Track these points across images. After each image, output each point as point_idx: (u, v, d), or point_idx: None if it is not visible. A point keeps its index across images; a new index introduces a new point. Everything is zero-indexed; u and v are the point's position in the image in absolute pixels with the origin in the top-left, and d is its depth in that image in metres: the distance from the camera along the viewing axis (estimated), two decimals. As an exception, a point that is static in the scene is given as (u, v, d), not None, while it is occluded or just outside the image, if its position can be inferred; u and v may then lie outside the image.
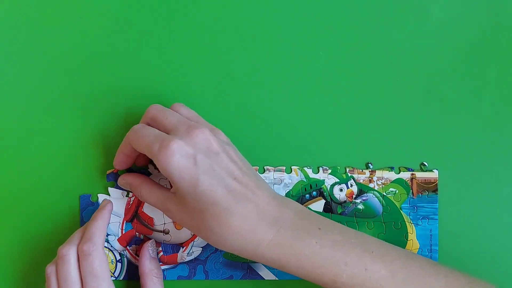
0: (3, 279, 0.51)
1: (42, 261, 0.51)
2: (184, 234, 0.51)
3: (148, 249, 0.49)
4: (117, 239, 0.51)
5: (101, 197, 0.51)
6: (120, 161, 0.48)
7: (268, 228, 0.42)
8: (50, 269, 0.46)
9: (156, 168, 0.51)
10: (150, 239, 0.51)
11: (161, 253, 0.51)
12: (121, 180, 0.49)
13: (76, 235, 0.47)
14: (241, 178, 0.43)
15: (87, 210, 0.51)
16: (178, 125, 0.44)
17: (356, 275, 0.41)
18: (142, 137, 0.44)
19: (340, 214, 0.51)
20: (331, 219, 0.51)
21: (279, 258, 0.42)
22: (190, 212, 0.43)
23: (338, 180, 0.52)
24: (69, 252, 0.45)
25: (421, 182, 0.52)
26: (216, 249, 0.51)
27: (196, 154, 0.41)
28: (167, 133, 0.43)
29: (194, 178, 0.41)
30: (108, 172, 0.51)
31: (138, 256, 0.50)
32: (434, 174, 0.52)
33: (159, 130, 0.44)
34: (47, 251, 0.51)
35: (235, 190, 0.42)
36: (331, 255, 0.42)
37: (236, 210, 0.41)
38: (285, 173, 0.52)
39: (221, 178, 0.42)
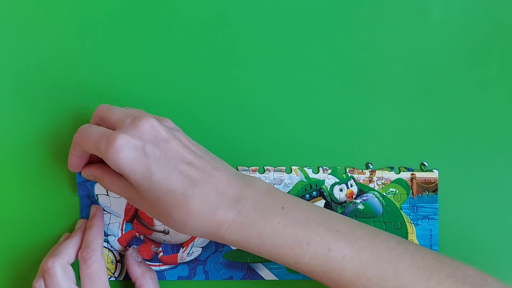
0: (2, 277, 0.51)
1: (39, 260, 0.51)
2: (184, 234, 0.51)
3: (132, 256, 0.49)
4: (117, 240, 0.51)
5: (102, 198, 0.51)
6: (73, 164, 0.48)
7: (229, 209, 0.41)
8: (38, 285, 0.45)
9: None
10: (150, 239, 0.51)
11: (161, 253, 0.51)
12: (84, 173, 0.48)
13: (62, 250, 0.46)
14: (195, 162, 0.42)
15: (87, 211, 0.51)
16: (124, 119, 0.43)
17: (319, 255, 0.41)
18: (88, 137, 0.43)
19: (340, 214, 0.51)
20: (331, 219, 0.51)
21: (241, 239, 0.41)
22: (148, 200, 0.42)
23: (338, 180, 0.52)
24: (55, 265, 0.45)
25: (421, 182, 0.52)
26: (216, 250, 0.51)
27: (144, 145, 0.41)
28: (114, 130, 0.43)
29: (145, 169, 0.41)
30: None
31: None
32: (434, 174, 0.52)
33: (107, 128, 0.44)
34: (46, 250, 0.51)
35: (190, 174, 0.41)
36: (293, 234, 0.41)
37: (194, 195, 0.41)
38: (285, 173, 0.52)
39: (174, 164, 0.41)
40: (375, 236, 0.42)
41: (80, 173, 0.49)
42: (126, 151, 0.41)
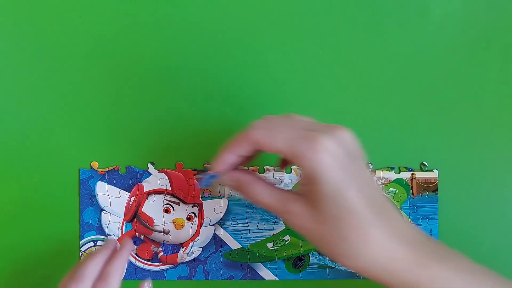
0: (1, 275, 0.51)
1: (38, 258, 0.51)
2: (184, 234, 0.51)
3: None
4: (117, 239, 0.51)
5: (102, 198, 0.51)
6: (226, 161, 0.41)
7: (409, 247, 0.38)
8: None
9: (156, 168, 0.51)
10: (150, 239, 0.51)
11: (161, 253, 0.51)
12: (228, 180, 0.42)
13: (86, 273, 0.42)
14: (377, 188, 0.39)
15: (87, 210, 0.51)
16: (314, 125, 0.40)
17: None
18: (278, 133, 0.38)
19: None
20: (331, 219, 0.51)
21: (414, 279, 0.38)
22: (321, 217, 0.38)
23: (338, 180, 0.52)
24: None
25: (421, 182, 0.52)
26: (216, 249, 0.51)
27: (344, 156, 0.37)
28: None
29: (341, 182, 0.37)
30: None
31: (138, 256, 0.50)
32: (434, 174, 0.52)
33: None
34: (45, 248, 0.51)
35: (377, 202, 0.38)
36: (468, 281, 0.38)
37: (378, 222, 0.37)
38: (285, 173, 0.52)
39: (363, 185, 0.38)
40: None
41: (202, 183, 0.43)
42: (326, 155, 0.37)
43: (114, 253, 0.45)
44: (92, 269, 0.43)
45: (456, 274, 0.38)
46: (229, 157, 0.41)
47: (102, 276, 0.43)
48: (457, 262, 0.39)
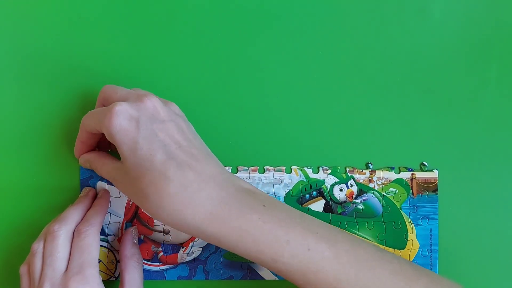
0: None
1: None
2: (184, 234, 0.51)
3: (131, 234, 0.49)
4: (117, 239, 0.51)
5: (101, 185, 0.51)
6: (78, 148, 0.48)
7: (208, 200, 0.40)
8: (37, 246, 0.45)
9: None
10: (150, 239, 0.51)
11: (161, 253, 0.51)
12: (81, 159, 0.49)
13: (69, 215, 0.46)
14: (186, 147, 0.41)
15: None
16: (129, 96, 0.43)
17: (297, 255, 0.40)
18: (92, 114, 0.43)
19: (340, 214, 0.52)
20: (331, 219, 0.51)
21: (218, 232, 0.40)
22: (131, 179, 0.41)
23: (338, 180, 0.52)
24: (61, 229, 0.44)
25: (421, 182, 0.52)
26: (216, 249, 0.51)
27: (139, 117, 0.41)
28: None
29: (133, 142, 0.40)
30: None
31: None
32: (434, 174, 0.52)
33: None
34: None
35: (177, 157, 0.40)
36: (273, 232, 0.40)
37: (175, 177, 0.39)
38: (285, 173, 0.52)
39: (163, 144, 0.40)
40: (354, 241, 0.42)
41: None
42: (121, 118, 0.40)
43: (95, 202, 0.49)
44: (75, 213, 0.46)
45: (265, 223, 0.40)
46: (78, 145, 0.48)
47: (84, 219, 0.46)
48: (266, 215, 0.41)
